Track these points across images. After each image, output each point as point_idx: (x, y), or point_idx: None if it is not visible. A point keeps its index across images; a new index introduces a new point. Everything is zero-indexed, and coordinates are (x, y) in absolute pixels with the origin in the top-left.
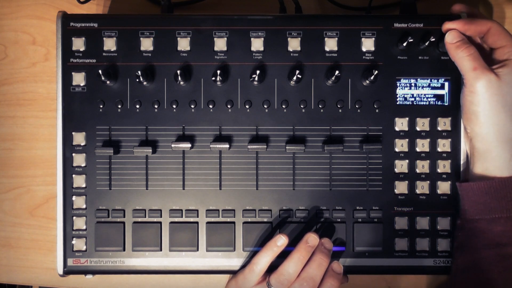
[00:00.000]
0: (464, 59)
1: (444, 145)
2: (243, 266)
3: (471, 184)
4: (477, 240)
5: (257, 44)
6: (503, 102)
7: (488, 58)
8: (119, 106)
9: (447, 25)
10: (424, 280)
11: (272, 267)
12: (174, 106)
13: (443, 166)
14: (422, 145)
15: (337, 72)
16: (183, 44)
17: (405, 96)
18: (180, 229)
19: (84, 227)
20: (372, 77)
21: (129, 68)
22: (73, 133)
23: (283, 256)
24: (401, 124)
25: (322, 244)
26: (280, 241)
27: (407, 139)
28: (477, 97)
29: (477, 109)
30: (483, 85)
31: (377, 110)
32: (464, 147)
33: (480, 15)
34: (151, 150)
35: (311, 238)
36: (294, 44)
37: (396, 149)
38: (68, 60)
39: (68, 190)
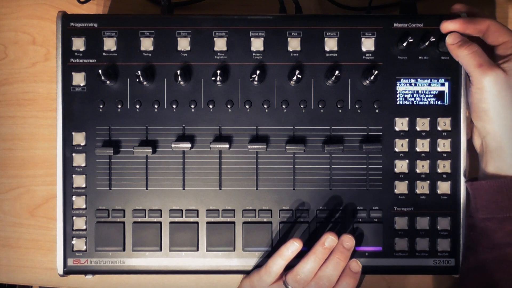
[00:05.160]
0: (468, 57)
1: (444, 145)
2: (257, 266)
3: (483, 183)
4: (488, 239)
5: (257, 44)
6: (511, 97)
7: (491, 56)
8: (119, 106)
9: (445, 24)
10: (424, 280)
11: (289, 265)
12: (174, 106)
13: (443, 166)
14: (422, 145)
15: (337, 72)
16: (183, 44)
17: (405, 96)
18: (180, 229)
19: (84, 227)
20: (372, 77)
21: (129, 68)
22: (73, 133)
23: (300, 255)
24: (401, 124)
25: (342, 243)
26: (293, 247)
27: (407, 139)
28: (485, 93)
29: (486, 106)
30: (490, 80)
31: (377, 110)
32: (464, 147)
33: (481, 14)
34: (151, 150)
35: (329, 240)
36: (294, 44)
37: (396, 149)
38: (68, 60)
39: (68, 190)
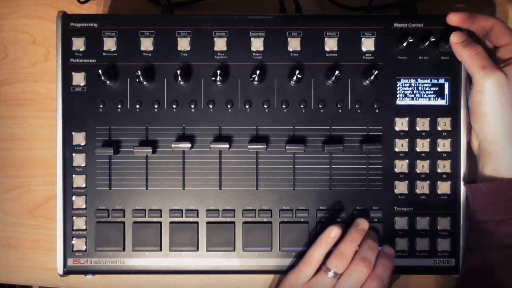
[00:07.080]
0: (471, 58)
1: (444, 145)
2: (291, 266)
3: (480, 185)
4: (486, 241)
5: (257, 44)
6: (511, 101)
7: (491, 57)
8: (119, 106)
9: (451, 16)
10: (424, 281)
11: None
12: (174, 106)
13: (443, 166)
14: (422, 145)
15: (337, 72)
16: (183, 44)
17: (405, 96)
18: (180, 229)
19: (84, 227)
20: (372, 77)
21: (129, 68)
22: (73, 133)
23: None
24: (401, 124)
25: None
26: (333, 233)
27: (407, 139)
28: (486, 96)
29: (485, 109)
30: (492, 83)
31: (377, 110)
32: (464, 147)
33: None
34: (151, 150)
35: (362, 222)
36: (294, 44)
37: (396, 149)
38: (68, 60)
39: (68, 190)
